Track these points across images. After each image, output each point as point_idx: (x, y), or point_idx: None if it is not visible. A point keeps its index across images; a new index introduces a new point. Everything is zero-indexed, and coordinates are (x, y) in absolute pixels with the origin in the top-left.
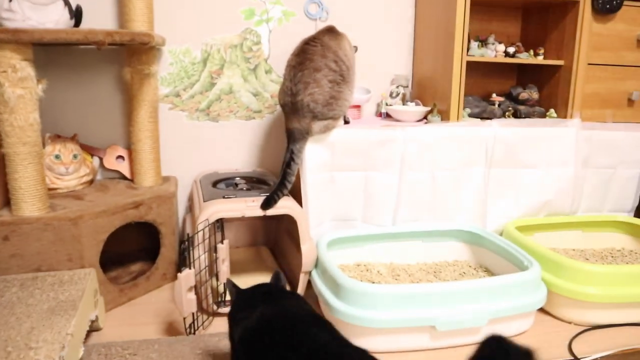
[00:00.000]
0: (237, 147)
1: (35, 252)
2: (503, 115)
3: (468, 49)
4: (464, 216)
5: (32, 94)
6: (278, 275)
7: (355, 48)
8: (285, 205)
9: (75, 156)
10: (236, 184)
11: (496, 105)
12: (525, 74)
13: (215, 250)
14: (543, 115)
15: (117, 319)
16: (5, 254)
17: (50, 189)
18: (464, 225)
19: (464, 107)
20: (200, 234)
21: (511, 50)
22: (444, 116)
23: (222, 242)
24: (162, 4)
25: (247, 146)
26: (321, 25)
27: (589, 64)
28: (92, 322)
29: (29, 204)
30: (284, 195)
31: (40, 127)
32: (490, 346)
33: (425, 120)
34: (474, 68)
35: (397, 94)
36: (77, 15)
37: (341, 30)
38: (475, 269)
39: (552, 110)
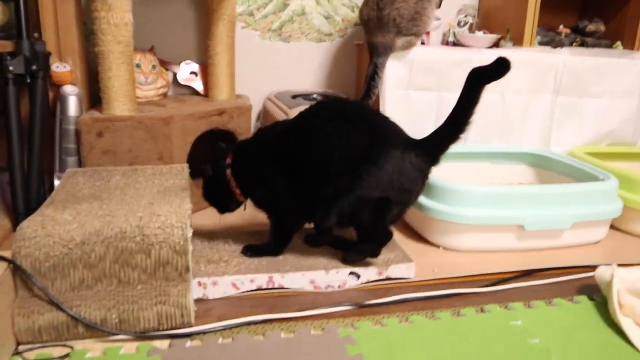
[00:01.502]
0: (307, 68)
1: (127, 149)
2: (571, 45)
3: None
4: (530, 140)
5: None
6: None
7: None
8: None
9: (153, 67)
10: (315, 98)
11: (563, 37)
12: (589, 8)
13: None
14: (609, 48)
15: (201, 221)
16: (99, 150)
17: None
18: (536, 149)
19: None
20: None
21: None
22: (517, 42)
23: None
24: None
25: (318, 68)
26: None
27: None
28: None
29: (120, 102)
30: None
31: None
32: (471, 78)
33: (494, 48)
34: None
35: (465, 23)
36: None
37: None
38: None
39: (618, 43)
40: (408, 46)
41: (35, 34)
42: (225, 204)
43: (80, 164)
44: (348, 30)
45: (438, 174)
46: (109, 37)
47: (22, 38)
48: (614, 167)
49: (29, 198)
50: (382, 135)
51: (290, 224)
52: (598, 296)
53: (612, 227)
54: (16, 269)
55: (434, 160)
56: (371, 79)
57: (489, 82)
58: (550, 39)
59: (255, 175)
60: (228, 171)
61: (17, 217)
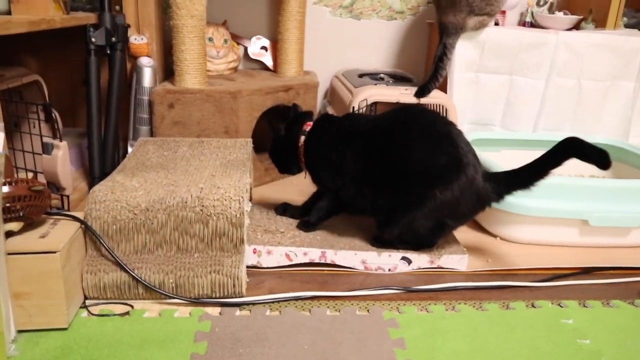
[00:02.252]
0: (378, 46)
1: (196, 122)
2: None
3: None
4: (606, 131)
5: None
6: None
7: None
8: (438, 96)
9: (225, 41)
10: (382, 78)
11: None
12: None
13: None
14: None
15: (263, 194)
16: (169, 120)
17: None
18: (611, 140)
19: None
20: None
21: None
22: (599, 25)
23: None
24: None
25: (388, 46)
26: None
27: None
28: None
29: (192, 75)
30: (435, 87)
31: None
32: (567, 143)
33: (574, 30)
34: None
35: (545, 2)
36: None
37: None
38: None
39: None
40: (480, 26)
41: (117, 7)
42: (287, 166)
43: (152, 133)
44: (420, 8)
45: (503, 161)
46: (184, 10)
47: (104, 11)
48: None
49: (104, 163)
50: (462, 160)
51: (341, 209)
52: None
53: None
54: (87, 229)
55: (500, 197)
56: (439, 60)
57: (581, 159)
58: (639, 20)
59: (329, 156)
60: (302, 137)
61: (92, 180)
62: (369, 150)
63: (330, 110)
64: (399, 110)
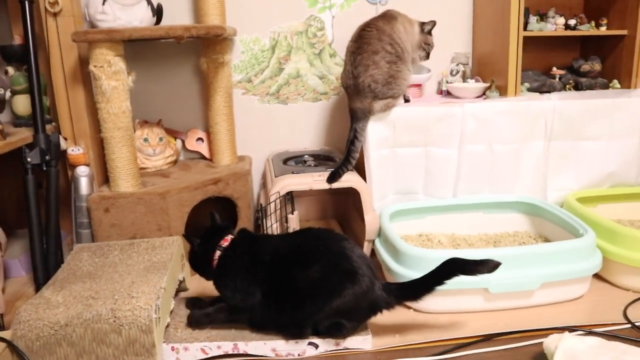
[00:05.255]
0: (306, 127)
1: (131, 223)
2: (563, 88)
3: (526, 24)
4: (524, 188)
5: (124, 85)
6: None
7: (433, 23)
8: (349, 179)
9: (160, 139)
10: (305, 161)
11: (557, 79)
12: (589, 46)
13: (286, 220)
14: (606, 87)
15: (201, 282)
16: (107, 224)
17: (140, 169)
18: (523, 197)
19: (523, 82)
20: (272, 205)
21: (572, 22)
22: (502, 92)
23: (292, 213)
24: None
25: (315, 126)
26: (382, 9)
27: None
28: (180, 282)
29: (124, 180)
30: (348, 170)
31: (131, 114)
32: (448, 265)
33: (484, 96)
34: (535, 42)
35: (457, 72)
36: (158, 12)
37: (402, 11)
38: (534, 238)
39: (615, 81)
40: (386, 108)
41: (53, 123)
42: (203, 273)
43: (92, 235)
44: (342, 88)
45: (428, 228)
46: (110, 124)
47: (38, 132)
48: (598, 216)
49: (47, 269)
50: (357, 273)
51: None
52: None
53: (600, 277)
54: (13, 348)
55: (390, 306)
56: (351, 143)
57: (464, 274)
58: (542, 84)
59: (238, 282)
60: (218, 252)
61: (38, 287)
62: (274, 276)
63: (262, 195)
64: (300, 233)
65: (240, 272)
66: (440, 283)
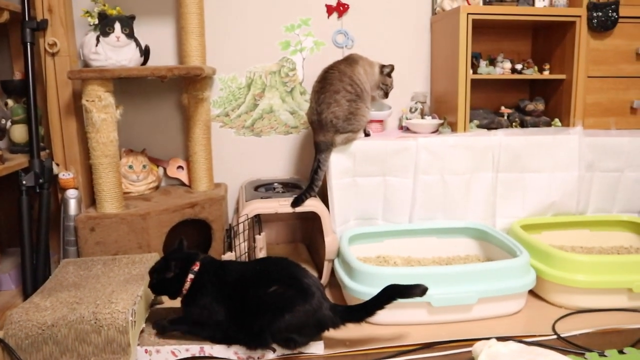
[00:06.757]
0: (277, 157)
1: (114, 241)
2: (510, 126)
3: (477, 67)
4: (475, 215)
5: (112, 118)
6: (181, 241)
7: (392, 67)
8: (311, 204)
9: (144, 166)
10: (274, 188)
11: (505, 117)
12: (536, 88)
13: (254, 241)
14: (548, 125)
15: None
16: (92, 241)
17: (125, 193)
18: (472, 223)
19: (473, 119)
20: (241, 226)
21: (519, 66)
22: (454, 128)
23: (259, 234)
24: (212, 41)
25: (286, 157)
26: (347, 52)
27: (589, 76)
28: (155, 296)
29: (109, 202)
30: (311, 196)
31: (118, 143)
32: (387, 291)
33: (438, 132)
34: (486, 84)
35: (416, 109)
36: (145, 53)
37: (366, 54)
38: (483, 261)
39: (556, 120)
40: (347, 141)
41: (46, 150)
42: (171, 293)
43: (78, 253)
44: None
45: (385, 251)
46: (99, 152)
47: (33, 157)
48: (536, 240)
49: (36, 282)
50: (307, 292)
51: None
52: None
53: (536, 295)
54: (4, 345)
55: (336, 326)
56: (315, 172)
57: (402, 298)
58: (490, 121)
59: (207, 297)
60: (190, 276)
61: (26, 299)
62: (237, 296)
63: (235, 219)
64: (260, 260)
65: (210, 293)
66: (382, 307)
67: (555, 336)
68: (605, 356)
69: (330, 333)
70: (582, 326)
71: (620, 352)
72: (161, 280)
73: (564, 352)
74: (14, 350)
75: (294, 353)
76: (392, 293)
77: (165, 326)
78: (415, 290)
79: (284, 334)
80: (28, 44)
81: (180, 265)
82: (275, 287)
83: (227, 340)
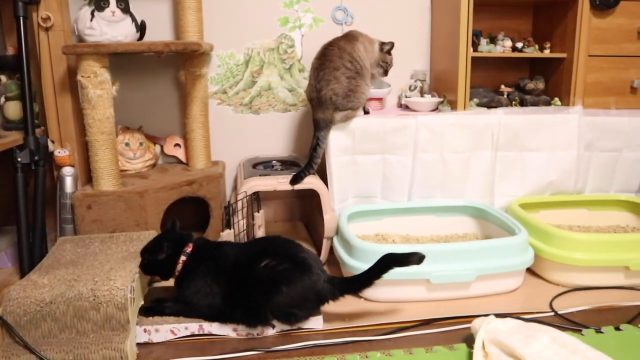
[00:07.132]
0: (276, 135)
1: (111, 218)
2: (509, 104)
3: (478, 46)
4: (473, 194)
5: (108, 94)
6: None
7: (392, 44)
8: (310, 182)
9: (141, 144)
10: (272, 166)
11: (505, 96)
12: (536, 66)
13: (253, 218)
14: (548, 104)
15: None
16: (89, 219)
17: (121, 171)
18: (471, 202)
19: (473, 98)
20: (240, 204)
21: (520, 45)
22: (453, 106)
23: (258, 211)
24: (210, 17)
25: (284, 135)
26: (347, 29)
27: (590, 55)
28: None
29: (106, 180)
30: (310, 174)
31: (114, 120)
32: (384, 260)
33: (437, 110)
34: (486, 62)
35: (415, 87)
36: (141, 28)
37: (366, 31)
38: (480, 239)
39: (556, 99)
40: (346, 119)
41: (42, 127)
42: (162, 274)
43: (75, 230)
44: None
45: (384, 229)
46: (95, 129)
47: (28, 134)
48: (534, 219)
49: (32, 261)
50: (304, 264)
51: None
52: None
53: (535, 274)
54: (3, 322)
55: (335, 297)
56: (313, 150)
57: (399, 266)
58: (490, 100)
59: (201, 278)
60: (183, 258)
61: (23, 276)
62: (234, 276)
63: (233, 197)
64: (256, 240)
65: (203, 275)
66: (379, 277)
67: (552, 313)
68: (601, 332)
69: (329, 307)
70: (579, 303)
71: (617, 328)
72: (153, 260)
73: (562, 328)
74: (13, 327)
75: (293, 329)
76: (389, 262)
77: (156, 308)
78: (412, 258)
79: (284, 309)
80: (21, 18)
81: (173, 246)
82: (268, 260)
83: (221, 320)
